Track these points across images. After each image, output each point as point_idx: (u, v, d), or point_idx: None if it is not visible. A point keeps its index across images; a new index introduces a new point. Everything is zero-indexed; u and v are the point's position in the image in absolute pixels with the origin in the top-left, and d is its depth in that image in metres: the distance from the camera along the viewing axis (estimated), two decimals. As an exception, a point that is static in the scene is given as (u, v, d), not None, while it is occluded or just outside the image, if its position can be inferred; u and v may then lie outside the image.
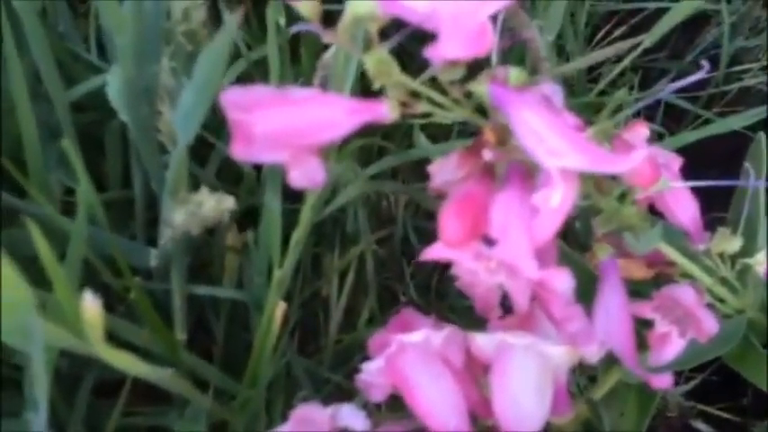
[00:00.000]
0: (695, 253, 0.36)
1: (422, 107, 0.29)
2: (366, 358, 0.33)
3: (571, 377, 0.52)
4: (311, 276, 0.55)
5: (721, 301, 0.37)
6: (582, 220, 0.38)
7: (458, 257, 0.29)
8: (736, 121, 0.56)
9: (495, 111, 0.29)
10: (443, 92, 0.29)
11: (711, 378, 0.59)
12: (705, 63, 0.31)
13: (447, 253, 0.28)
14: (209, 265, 0.48)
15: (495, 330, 0.31)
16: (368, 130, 0.44)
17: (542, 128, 0.27)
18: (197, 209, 0.33)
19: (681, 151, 0.37)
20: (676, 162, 0.37)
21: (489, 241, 0.28)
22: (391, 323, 0.34)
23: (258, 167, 0.50)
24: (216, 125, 0.48)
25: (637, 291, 0.36)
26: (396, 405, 0.34)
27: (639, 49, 0.59)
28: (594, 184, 0.32)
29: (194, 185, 0.39)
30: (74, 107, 0.46)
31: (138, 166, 0.45)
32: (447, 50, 0.27)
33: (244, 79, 0.50)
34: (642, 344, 0.36)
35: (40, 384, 0.26)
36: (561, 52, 0.65)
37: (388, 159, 0.52)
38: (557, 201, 0.26)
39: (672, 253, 0.35)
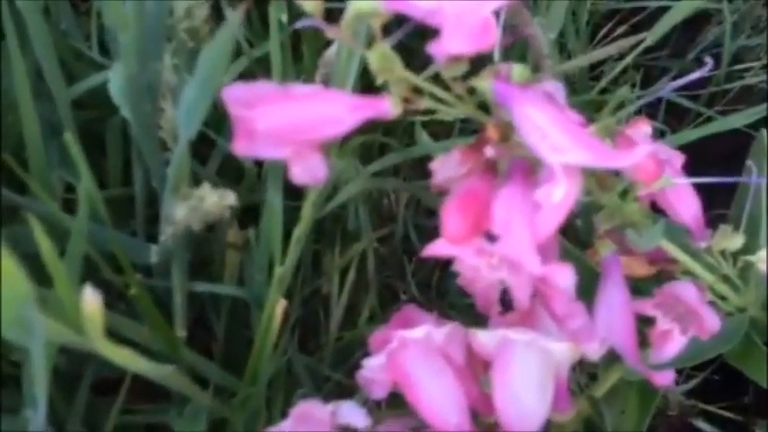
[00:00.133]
0: (697, 250, 0.36)
1: (424, 103, 0.29)
2: (367, 356, 0.33)
3: (572, 375, 0.52)
4: (312, 274, 0.55)
5: (723, 298, 0.37)
6: (583, 217, 0.38)
7: (460, 253, 0.29)
8: (738, 120, 0.56)
9: (498, 107, 0.29)
10: (446, 88, 0.29)
11: (713, 377, 0.59)
12: (708, 60, 0.31)
13: (449, 249, 0.28)
14: (210, 263, 0.48)
15: (496, 327, 0.31)
16: (369, 127, 0.44)
17: (545, 124, 0.27)
18: (199, 204, 0.33)
19: (682, 149, 0.37)
20: (678, 159, 0.37)
21: (491, 237, 0.28)
22: (392, 320, 0.34)
23: (259, 164, 0.50)
24: (217, 121, 0.48)
25: (638, 288, 0.36)
26: (396, 403, 0.34)
27: (641, 48, 0.58)
28: (597, 180, 0.32)
29: (195, 182, 0.39)
30: (75, 104, 0.46)
31: (139, 163, 0.45)
32: (450, 46, 0.27)
33: (246, 76, 0.50)
34: (643, 341, 0.36)
35: (39, 380, 0.26)
36: (563, 50, 0.65)
37: (389, 157, 0.52)
38: (559, 197, 0.26)
39: (673, 250, 0.35)
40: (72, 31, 0.50)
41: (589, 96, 0.64)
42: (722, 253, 0.36)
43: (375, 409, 0.36)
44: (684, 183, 0.35)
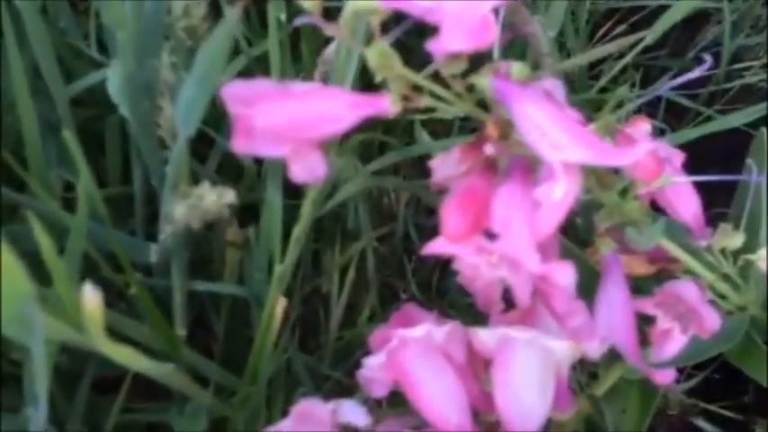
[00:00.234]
0: (697, 249, 0.36)
1: (424, 101, 0.29)
2: (367, 355, 0.33)
3: (572, 374, 0.52)
4: (311, 273, 0.55)
5: (723, 297, 0.37)
6: (583, 216, 0.38)
7: (459, 252, 0.29)
8: (737, 119, 0.56)
9: (497, 105, 0.29)
10: (445, 86, 0.29)
11: (713, 376, 0.59)
12: (707, 58, 0.31)
13: (449, 247, 0.28)
14: (210, 261, 0.48)
15: (496, 325, 0.31)
16: (369, 126, 0.44)
17: (545, 122, 0.27)
18: (198, 202, 0.33)
19: (682, 148, 0.37)
20: (678, 157, 0.37)
21: (491, 236, 0.28)
22: (393, 318, 0.34)
23: (258, 162, 0.50)
24: (216, 120, 0.48)
25: (638, 287, 0.36)
26: (396, 402, 0.34)
27: (640, 46, 0.58)
28: (596, 178, 0.32)
29: (194, 181, 0.39)
30: (73, 102, 0.46)
31: (137, 162, 0.45)
32: (450, 43, 0.27)
33: (244, 75, 0.50)
34: (644, 340, 0.36)
35: (39, 378, 0.26)
36: (562, 49, 0.65)
37: (389, 155, 0.52)
38: (559, 195, 0.26)
39: (674, 249, 0.35)
40: (71, 29, 0.50)
41: (588, 95, 0.64)
42: (722, 251, 0.36)
43: (375, 407, 0.36)
44: (684, 181, 0.35)
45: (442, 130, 0.59)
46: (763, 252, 0.36)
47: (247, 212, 0.48)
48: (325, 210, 0.49)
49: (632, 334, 0.33)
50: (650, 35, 0.58)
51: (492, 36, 0.26)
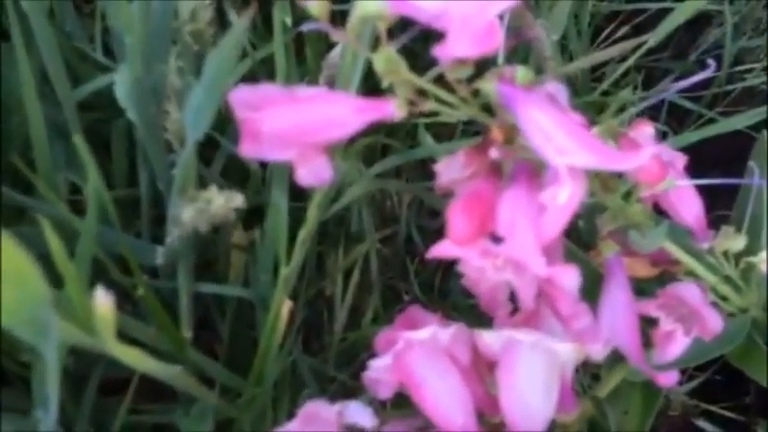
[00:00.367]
0: (699, 251, 0.36)
1: (429, 105, 0.30)
2: (371, 356, 0.33)
3: (575, 376, 0.52)
4: (316, 275, 0.55)
5: (725, 299, 0.37)
6: (586, 219, 0.38)
7: (465, 255, 0.29)
8: (739, 121, 0.57)
9: (502, 109, 0.30)
10: (450, 91, 0.30)
11: (715, 377, 0.59)
12: (710, 61, 0.32)
13: (454, 250, 0.29)
14: (215, 264, 0.48)
15: (501, 328, 0.31)
16: (372, 129, 0.44)
17: (550, 126, 0.27)
18: (206, 206, 0.34)
19: (684, 151, 0.37)
20: (681, 160, 0.37)
21: (496, 239, 0.28)
22: (398, 321, 0.34)
23: (264, 166, 0.50)
24: (221, 124, 0.48)
25: (641, 289, 0.36)
26: (401, 404, 0.35)
27: (643, 49, 0.59)
28: (600, 181, 0.32)
29: (200, 184, 0.39)
30: (80, 106, 0.46)
31: (144, 165, 0.46)
32: (456, 49, 0.27)
33: (249, 78, 0.50)
34: (647, 342, 0.36)
35: (52, 381, 0.27)
36: (564, 52, 0.65)
37: (392, 158, 0.52)
38: (564, 198, 0.26)
39: (676, 251, 0.35)
40: (76, 32, 0.51)
41: (591, 98, 0.64)
42: (724, 254, 0.36)
43: (381, 409, 0.37)
44: (687, 184, 0.35)
45: (445, 133, 0.59)
46: (764, 255, 0.36)
47: (252, 215, 0.48)
48: (330, 213, 0.49)
49: (635, 336, 0.33)
50: (653, 38, 0.58)
51: (498, 41, 0.27)
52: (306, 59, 0.53)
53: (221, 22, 0.48)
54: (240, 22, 0.33)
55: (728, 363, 0.38)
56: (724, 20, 0.70)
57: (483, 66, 0.29)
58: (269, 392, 0.43)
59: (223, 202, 0.33)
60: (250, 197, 0.49)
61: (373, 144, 0.57)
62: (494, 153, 0.30)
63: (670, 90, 0.44)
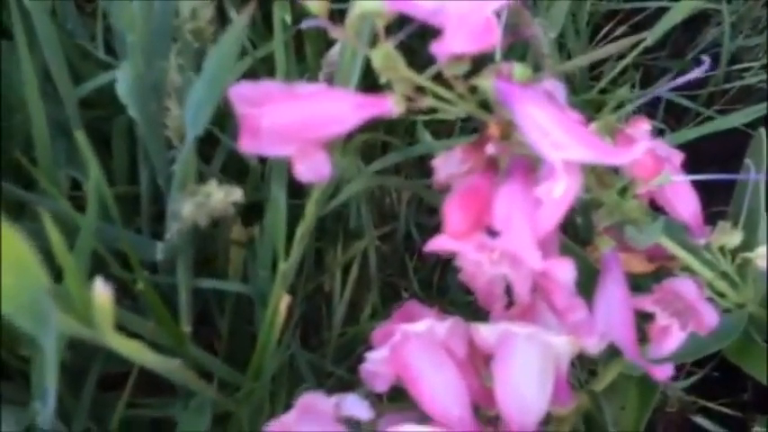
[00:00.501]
0: (696, 247, 0.36)
1: (427, 102, 0.30)
2: (369, 351, 0.33)
3: (572, 370, 0.53)
4: (314, 271, 0.56)
5: (722, 295, 0.38)
6: (583, 215, 0.39)
7: (461, 249, 0.29)
8: (737, 119, 0.57)
9: (499, 105, 0.30)
10: (448, 87, 0.30)
11: (712, 373, 0.60)
12: (705, 59, 0.32)
13: (451, 244, 0.29)
14: (215, 259, 0.49)
15: (497, 321, 0.31)
16: (371, 126, 0.44)
17: (546, 122, 0.27)
18: (205, 200, 0.34)
19: (681, 148, 0.37)
20: (677, 157, 0.37)
21: (493, 233, 0.29)
22: (395, 315, 0.35)
23: (263, 162, 0.50)
24: (221, 120, 0.49)
25: (638, 284, 0.36)
26: (397, 397, 0.35)
27: (641, 47, 0.59)
28: (596, 177, 0.32)
29: (200, 180, 0.40)
30: (82, 103, 0.46)
31: (144, 162, 0.46)
32: (453, 45, 0.27)
33: (249, 75, 0.51)
34: (643, 337, 0.36)
35: (50, 372, 0.27)
36: (563, 50, 0.66)
37: (391, 155, 0.53)
38: (560, 193, 0.26)
39: (672, 247, 0.35)
40: (78, 30, 0.51)
41: (589, 96, 0.65)
42: (721, 249, 0.37)
43: (377, 402, 0.37)
44: (683, 180, 0.36)
45: (443, 129, 0.60)
46: (761, 250, 0.37)
47: (252, 211, 0.48)
48: (329, 209, 0.49)
49: (631, 330, 0.33)
50: (650, 36, 0.59)
51: (495, 38, 0.27)
52: (306, 57, 0.54)
53: (222, 21, 0.48)
54: (240, 19, 0.33)
55: (726, 359, 0.39)
56: (722, 19, 0.70)
57: (481, 63, 0.30)
58: (266, 386, 0.43)
59: (222, 196, 0.34)
60: (249, 193, 0.49)
61: (373, 141, 0.57)
62: (490, 149, 0.31)
63: (667, 88, 0.44)
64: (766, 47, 0.72)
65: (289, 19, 0.46)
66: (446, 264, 0.62)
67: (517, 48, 0.57)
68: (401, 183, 0.58)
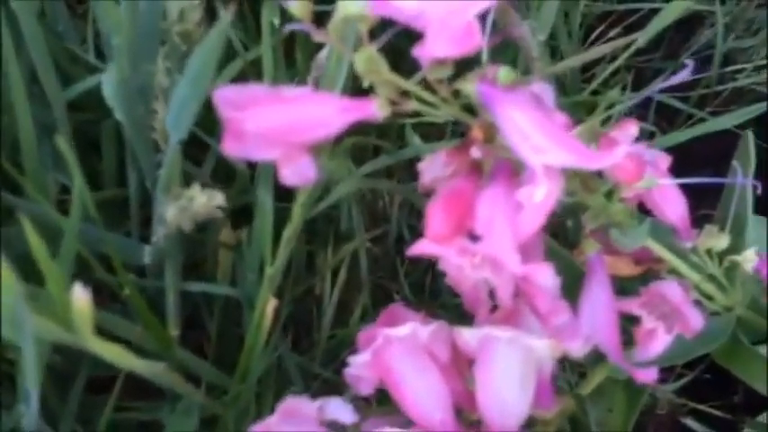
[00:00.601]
0: (683, 250, 0.36)
1: (411, 105, 0.30)
2: (356, 354, 0.33)
3: (561, 374, 0.53)
4: (305, 273, 0.56)
5: (709, 298, 0.37)
6: (573, 219, 0.39)
7: (443, 253, 0.29)
8: (728, 120, 0.57)
9: (483, 109, 0.30)
10: (433, 91, 0.30)
11: (703, 376, 0.60)
12: (689, 62, 0.32)
13: (433, 248, 0.29)
14: (203, 263, 0.49)
15: (481, 325, 0.31)
16: (363, 129, 0.44)
17: (527, 125, 0.27)
18: (188, 204, 0.34)
19: (674, 150, 0.37)
20: (664, 161, 0.37)
21: (475, 237, 0.29)
22: (381, 318, 0.35)
23: (252, 166, 0.50)
24: (211, 124, 0.49)
25: (625, 287, 0.36)
26: (386, 399, 0.35)
27: (633, 48, 0.59)
28: (581, 181, 0.32)
29: (189, 184, 0.40)
30: (70, 106, 0.46)
31: (132, 165, 0.46)
32: (434, 49, 0.27)
33: (240, 79, 0.51)
34: (630, 340, 0.36)
35: (30, 375, 0.27)
36: (555, 52, 0.66)
37: (381, 158, 0.53)
38: (540, 197, 0.26)
39: (660, 250, 0.35)
40: (68, 33, 0.51)
41: (580, 98, 0.64)
42: (708, 252, 0.37)
43: (365, 405, 0.37)
44: (670, 183, 0.35)
45: (435, 133, 0.60)
46: (748, 253, 0.37)
47: (241, 214, 0.48)
48: (318, 211, 0.49)
49: (615, 333, 0.33)
50: (642, 37, 0.58)
51: (476, 42, 0.27)
52: (296, 60, 0.54)
53: (211, 23, 0.48)
54: (226, 16, 0.33)
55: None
56: (715, 20, 0.70)
57: (468, 65, 0.30)
58: (253, 389, 0.43)
59: (205, 200, 0.34)
60: (237, 197, 0.49)
61: (364, 144, 0.57)
62: (475, 152, 0.30)
63: (657, 89, 0.44)
64: (767, 49, 0.72)
65: (278, 21, 0.46)
66: (437, 267, 0.61)
67: (508, 49, 0.57)
68: (390, 186, 0.58)
